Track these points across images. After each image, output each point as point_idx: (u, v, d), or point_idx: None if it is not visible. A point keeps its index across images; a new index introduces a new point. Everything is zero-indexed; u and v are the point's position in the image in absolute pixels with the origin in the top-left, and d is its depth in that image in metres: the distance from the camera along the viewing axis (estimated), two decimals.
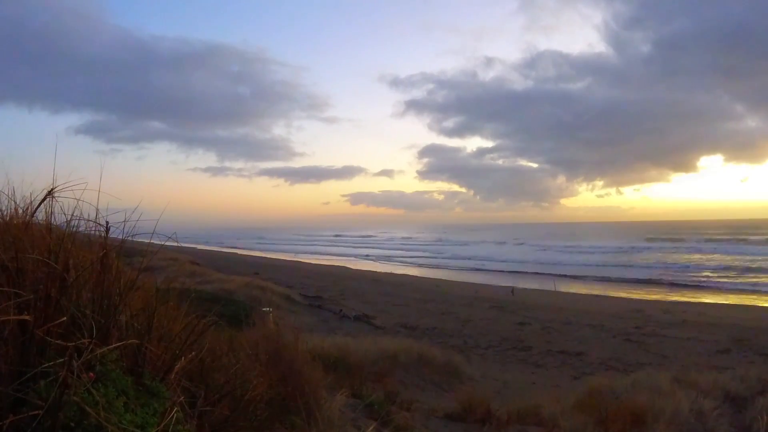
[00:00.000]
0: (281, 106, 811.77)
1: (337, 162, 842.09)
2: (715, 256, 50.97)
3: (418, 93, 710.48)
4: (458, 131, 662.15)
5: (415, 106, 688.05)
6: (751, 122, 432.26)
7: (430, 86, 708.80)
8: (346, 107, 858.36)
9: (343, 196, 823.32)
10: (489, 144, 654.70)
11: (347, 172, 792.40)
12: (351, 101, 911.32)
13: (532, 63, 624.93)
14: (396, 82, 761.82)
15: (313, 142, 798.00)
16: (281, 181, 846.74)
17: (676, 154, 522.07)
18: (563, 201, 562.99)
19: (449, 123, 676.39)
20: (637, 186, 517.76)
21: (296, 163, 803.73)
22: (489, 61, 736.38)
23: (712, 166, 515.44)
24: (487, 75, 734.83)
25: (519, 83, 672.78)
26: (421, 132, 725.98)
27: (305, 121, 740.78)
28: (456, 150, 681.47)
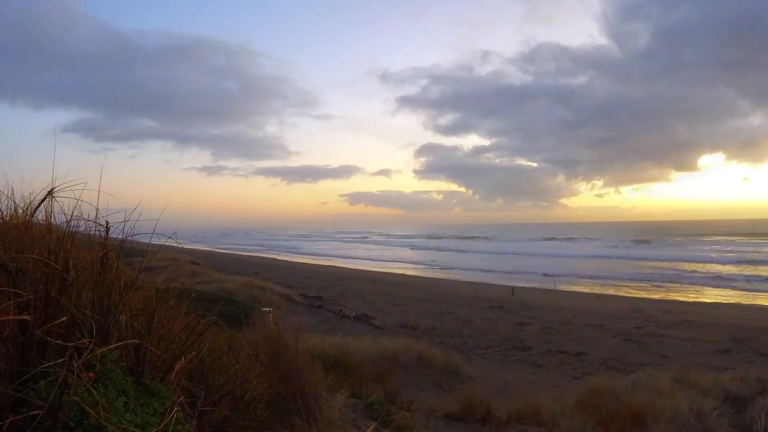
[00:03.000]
0: (272, 103, 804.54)
1: (333, 161, 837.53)
2: (716, 255, 50.98)
3: (410, 89, 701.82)
4: (453, 129, 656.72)
5: (407, 103, 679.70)
6: (756, 119, 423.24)
7: (423, 82, 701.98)
8: (338, 104, 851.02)
9: (341, 195, 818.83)
10: (485, 142, 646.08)
11: (344, 172, 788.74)
12: (342, 98, 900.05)
13: (530, 56, 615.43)
14: (387, 77, 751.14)
15: (307, 140, 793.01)
16: (278, 180, 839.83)
17: (678, 153, 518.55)
18: (563, 201, 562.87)
19: (444, 120, 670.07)
20: (638, 185, 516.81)
21: (292, 162, 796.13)
22: (485, 55, 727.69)
23: (715, 164, 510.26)
24: (484, 69, 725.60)
25: (517, 78, 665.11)
26: (416, 130, 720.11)
27: (297, 119, 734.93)
28: (454, 149, 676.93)
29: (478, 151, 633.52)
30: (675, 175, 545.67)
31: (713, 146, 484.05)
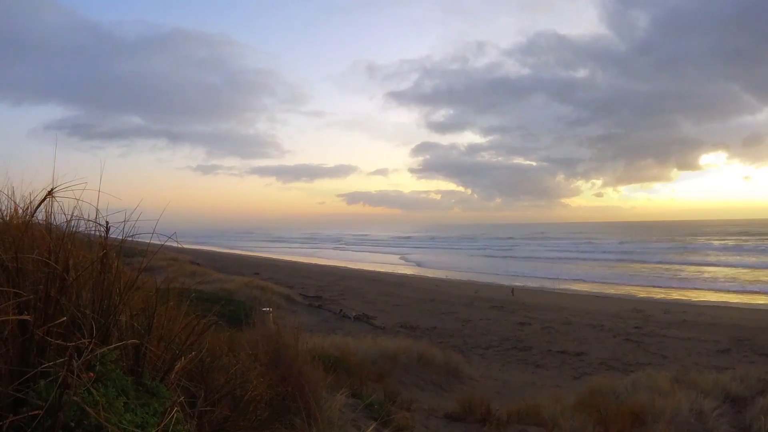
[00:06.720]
0: (261, 99, 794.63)
1: (329, 160, 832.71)
2: (717, 255, 51.00)
3: (401, 83, 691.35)
4: (449, 126, 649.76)
5: (399, 99, 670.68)
6: (762, 116, 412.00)
7: (415, 75, 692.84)
8: (329, 100, 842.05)
9: (339, 195, 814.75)
10: (482, 140, 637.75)
11: (341, 171, 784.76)
12: (332, 93, 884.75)
13: (528, 48, 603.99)
14: (375, 71, 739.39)
15: (300, 137, 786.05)
16: (273, 179, 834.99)
17: (680, 151, 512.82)
18: (563, 200, 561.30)
19: (438, 117, 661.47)
20: (638, 184, 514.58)
21: (286, 161, 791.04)
22: (480, 46, 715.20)
23: (718, 163, 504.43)
24: (479, 62, 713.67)
25: (514, 71, 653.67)
26: (410, 127, 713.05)
27: (288, 115, 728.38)
28: (450, 147, 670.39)
29: (474, 149, 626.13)
30: (677, 174, 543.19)
31: (717, 144, 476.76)
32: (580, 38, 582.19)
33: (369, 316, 18.27)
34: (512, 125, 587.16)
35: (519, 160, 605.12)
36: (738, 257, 48.49)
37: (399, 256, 64.14)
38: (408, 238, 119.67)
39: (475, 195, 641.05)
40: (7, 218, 2.38)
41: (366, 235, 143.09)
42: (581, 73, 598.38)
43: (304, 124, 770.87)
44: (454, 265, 48.77)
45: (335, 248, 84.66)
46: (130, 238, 2.46)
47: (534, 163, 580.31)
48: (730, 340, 14.87)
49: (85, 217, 2.37)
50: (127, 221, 2.42)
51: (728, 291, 28.65)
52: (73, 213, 2.34)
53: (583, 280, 34.85)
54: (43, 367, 1.74)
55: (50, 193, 2.22)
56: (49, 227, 2.30)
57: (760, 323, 17.44)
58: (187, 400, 2.42)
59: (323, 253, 69.68)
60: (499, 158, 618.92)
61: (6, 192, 2.42)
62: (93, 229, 2.41)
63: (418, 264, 52.34)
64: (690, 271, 39.44)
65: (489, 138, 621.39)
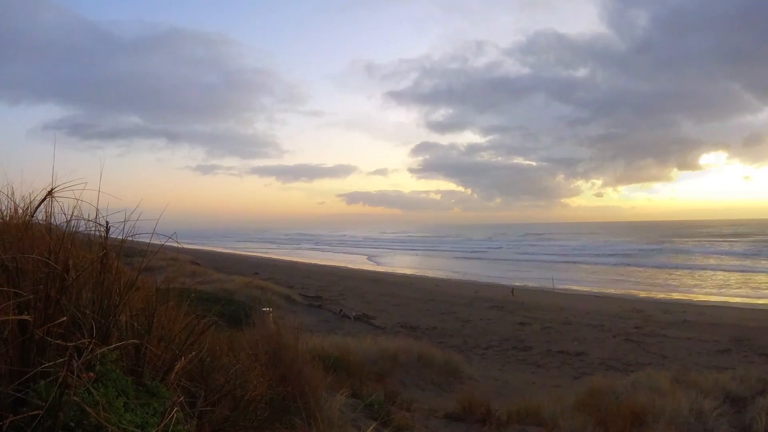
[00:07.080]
0: (259, 99, 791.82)
1: (328, 160, 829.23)
2: (717, 256, 51.00)
3: (401, 83, 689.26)
4: (449, 126, 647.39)
5: (398, 98, 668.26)
6: (762, 115, 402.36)
7: (414, 75, 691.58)
8: (327, 100, 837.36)
9: (339, 195, 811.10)
10: (481, 140, 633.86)
11: (340, 171, 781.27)
12: (330, 93, 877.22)
13: (528, 47, 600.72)
14: (374, 70, 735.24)
15: (299, 137, 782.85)
16: (272, 179, 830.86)
17: (680, 150, 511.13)
18: (564, 200, 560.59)
19: (438, 116, 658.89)
20: (638, 184, 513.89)
21: (285, 161, 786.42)
22: (480, 45, 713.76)
23: (718, 163, 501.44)
24: (478, 61, 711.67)
25: (514, 70, 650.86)
26: (410, 127, 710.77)
27: (286, 115, 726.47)
28: (450, 147, 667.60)
29: (474, 149, 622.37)
30: (677, 174, 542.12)
31: (717, 144, 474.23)
32: (579, 37, 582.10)
33: (369, 316, 18.26)
34: (512, 125, 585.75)
35: (519, 160, 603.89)
36: (738, 257, 48.50)
37: (367, 257, 64.18)
38: (383, 239, 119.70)
39: (475, 195, 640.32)
40: (7, 218, 2.38)
41: (344, 234, 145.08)
42: (581, 72, 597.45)
43: (303, 123, 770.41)
44: (416, 265, 49.46)
45: (312, 248, 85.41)
46: (130, 238, 2.46)
47: (534, 163, 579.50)
48: (730, 340, 14.87)
49: (85, 217, 2.37)
50: (127, 221, 2.42)
51: (728, 291, 28.65)
52: (73, 213, 2.35)
53: (579, 280, 34.85)
54: (43, 367, 1.74)
55: (50, 193, 2.22)
56: (49, 227, 2.30)
57: (760, 323, 17.44)
58: (187, 400, 2.42)
59: (299, 253, 69.46)
60: (499, 158, 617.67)
61: (6, 192, 2.42)
62: (93, 229, 2.41)
63: (378, 263, 52.79)
64: (689, 271, 39.44)
65: (489, 138, 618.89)
